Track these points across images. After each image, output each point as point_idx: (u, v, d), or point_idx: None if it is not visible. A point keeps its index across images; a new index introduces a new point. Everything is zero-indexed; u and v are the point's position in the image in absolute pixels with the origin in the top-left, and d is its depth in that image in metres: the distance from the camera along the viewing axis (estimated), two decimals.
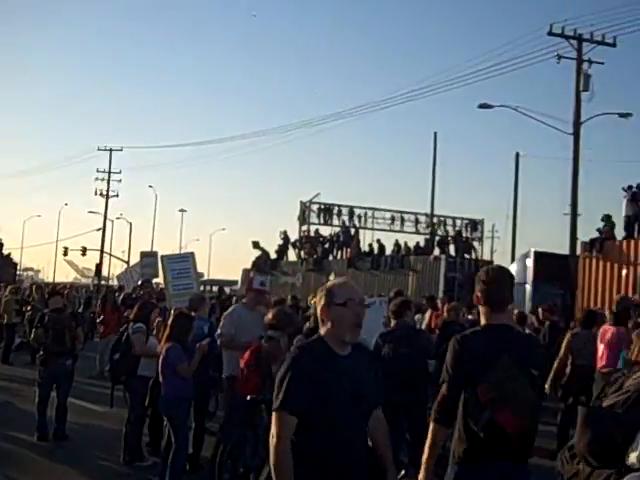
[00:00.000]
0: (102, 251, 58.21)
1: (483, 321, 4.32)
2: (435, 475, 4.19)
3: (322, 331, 3.83)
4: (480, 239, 37.96)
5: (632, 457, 3.29)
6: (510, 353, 4.05)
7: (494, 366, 4.00)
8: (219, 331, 8.84)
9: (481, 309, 4.35)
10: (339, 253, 37.34)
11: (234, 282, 42.83)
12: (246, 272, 39.71)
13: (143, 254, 27.92)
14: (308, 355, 3.77)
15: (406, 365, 8.53)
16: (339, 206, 40.65)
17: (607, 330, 8.81)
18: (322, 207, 40.56)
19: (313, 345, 3.86)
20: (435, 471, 4.20)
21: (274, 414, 3.69)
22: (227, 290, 22.07)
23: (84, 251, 56.58)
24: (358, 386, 3.75)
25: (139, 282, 21.38)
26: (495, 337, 4.16)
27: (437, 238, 36.21)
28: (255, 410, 7.66)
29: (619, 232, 23.39)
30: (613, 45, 27.64)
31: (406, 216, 40.78)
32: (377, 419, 4.02)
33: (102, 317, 17.68)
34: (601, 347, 8.77)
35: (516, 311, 13.90)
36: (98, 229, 59.72)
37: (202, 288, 25.48)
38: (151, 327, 9.57)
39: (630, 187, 23.18)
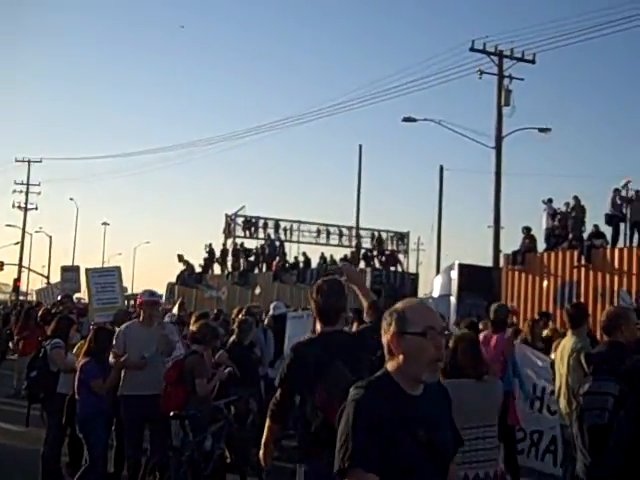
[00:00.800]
0: (20, 266, 56.80)
1: (319, 329, 4.78)
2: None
3: (389, 366, 3.04)
4: (406, 251, 38.31)
5: None
6: (343, 358, 4.46)
7: (327, 371, 4.41)
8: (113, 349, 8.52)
9: (317, 319, 4.82)
10: (264, 266, 37.20)
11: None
12: (171, 286, 39.21)
13: (64, 268, 27.28)
14: (374, 397, 2.93)
15: None
16: (265, 219, 40.50)
17: (490, 338, 9.14)
18: (247, 220, 40.36)
19: (379, 384, 3.01)
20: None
21: None
22: None
23: (1, 266, 54.96)
24: (435, 433, 3.02)
25: (58, 297, 20.82)
26: (329, 344, 4.58)
27: (363, 251, 36.39)
28: (180, 427, 7.50)
29: (541, 244, 23.85)
30: (532, 62, 28.32)
31: (332, 229, 40.89)
32: (453, 472, 3.24)
33: (22, 334, 17.09)
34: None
35: None
36: (16, 243, 58.36)
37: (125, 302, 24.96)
38: (69, 343, 9.28)
39: (550, 200, 23.68)
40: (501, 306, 9.85)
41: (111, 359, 8.30)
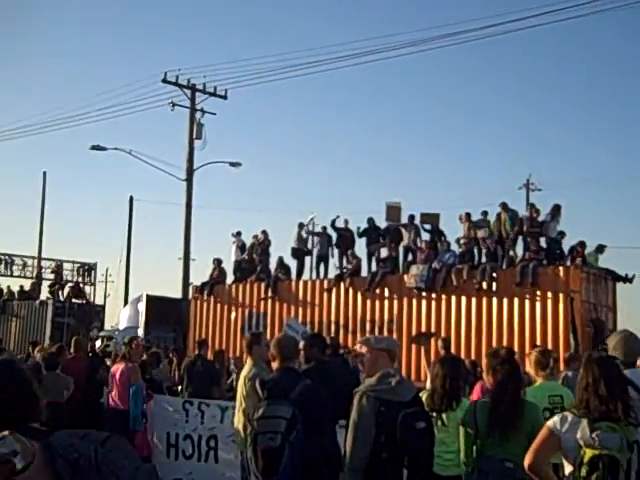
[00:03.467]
0: None
1: None
2: None
3: None
4: (93, 283, 36.98)
5: None
6: None
7: None
8: None
9: None
10: None
11: None
12: None
13: None
14: None
15: None
16: None
17: (117, 368, 10.05)
18: None
19: None
20: None
21: None
22: None
23: None
24: None
25: None
26: None
27: (46, 282, 34.62)
28: None
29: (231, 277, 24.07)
30: (224, 97, 28.87)
31: (13, 259, 38.30)
32: None
33: None
34: (113, 385, 10.02)
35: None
36: None
37: None
38: None
39: (239, 233, 24.09)
40: (133, 338, 10.80)
41: None
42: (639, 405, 4.87)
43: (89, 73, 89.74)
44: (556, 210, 18.44)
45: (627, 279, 18.45)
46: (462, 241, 19.31)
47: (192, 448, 8.93)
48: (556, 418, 4.32)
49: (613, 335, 5.49)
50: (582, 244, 18.04)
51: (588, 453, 4.07)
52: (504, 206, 18.98)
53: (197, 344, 14.81)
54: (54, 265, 33.75)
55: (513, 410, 5.19)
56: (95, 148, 27.53)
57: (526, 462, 4.33)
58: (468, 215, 19.45)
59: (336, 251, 21.77)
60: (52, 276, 34.05)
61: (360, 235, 21.17)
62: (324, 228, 22.52)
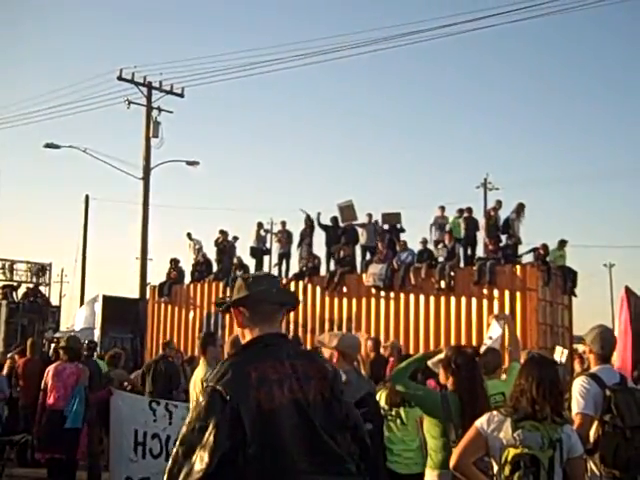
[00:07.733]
0: None
1: None
2: None
3: None
4: (48, 284, 36.43)
5: None
6: None
7: None
8: None
9: None
10: None
11: None
12: None
13: None
14: None
15: None
16: None
17: (62, 368, 9.77)
18: None
19: None
20: None
21: None
22: None
23: None
24: None
25: None
26: None
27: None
28: None
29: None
30: (181, 95, 28.61)
31: None
32: None
33: None
34: (56, 384, 9.65)
35: None
36: None
37: None
38: None
39: (189, 234, 23.88)
40: (74, 338, 10.55)
41: None
42: (600, 401, 4.95)
43: (43, 69, 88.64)
44: (520, 208, 18.71)
45: (573, 294, 18.78)
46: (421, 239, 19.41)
47: (160, 448, 8.79)
48: (484, 418, 4.35)
49: (590, 330, 5.52)
50: (544, 246, 18.13)
51: (511, 452, 4.14)
52: (461, 211, 19.33)
53: (162, 345, 14.58)
54: (7, 265, 33.12)
55: (487, 404, 5.24)
56: (49, 146, 27.11)
57: (451, 463, 4.36)
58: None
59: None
60: (4, 277, 33.46)
61: (320, 225, 20.91)
62: (283, 223, 22.34)
